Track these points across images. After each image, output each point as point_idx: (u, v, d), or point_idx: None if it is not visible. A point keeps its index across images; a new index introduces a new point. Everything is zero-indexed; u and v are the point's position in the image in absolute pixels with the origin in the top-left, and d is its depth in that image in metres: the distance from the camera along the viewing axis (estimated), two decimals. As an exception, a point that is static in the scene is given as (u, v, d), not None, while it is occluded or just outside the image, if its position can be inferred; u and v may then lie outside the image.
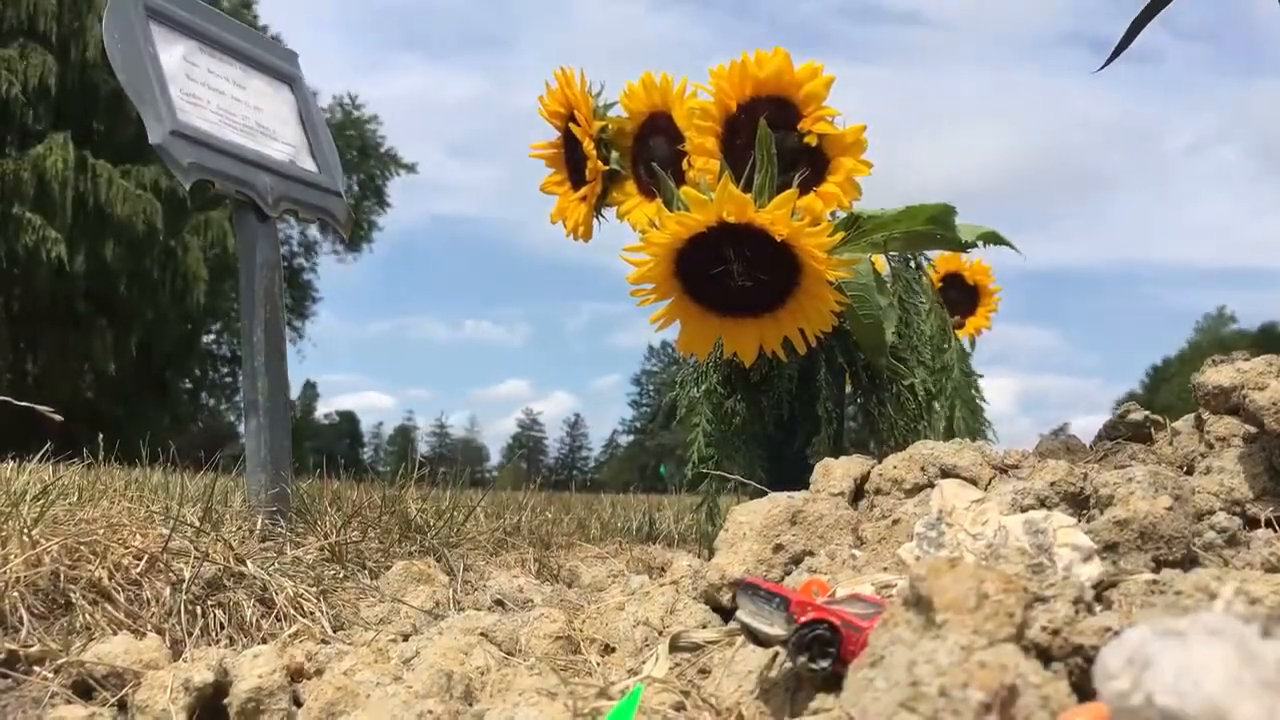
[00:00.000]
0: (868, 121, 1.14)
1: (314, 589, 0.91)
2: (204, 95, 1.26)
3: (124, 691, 0.65)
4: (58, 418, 0.87)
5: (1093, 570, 0.57)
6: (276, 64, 1.43)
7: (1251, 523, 0.74)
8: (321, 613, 0.87)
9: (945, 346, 1.38)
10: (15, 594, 0.72)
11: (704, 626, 0.75)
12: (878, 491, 0.85)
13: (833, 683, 0.50)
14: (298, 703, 0.64)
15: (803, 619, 0.51)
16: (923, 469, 0.84)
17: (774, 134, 1.08)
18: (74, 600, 0.76)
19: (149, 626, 0.77)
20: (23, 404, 0.88)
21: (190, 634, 0.78)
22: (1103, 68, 0.99)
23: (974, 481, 0.80)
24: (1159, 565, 0.63)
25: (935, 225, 1.18)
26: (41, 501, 0.91)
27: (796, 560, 0.77)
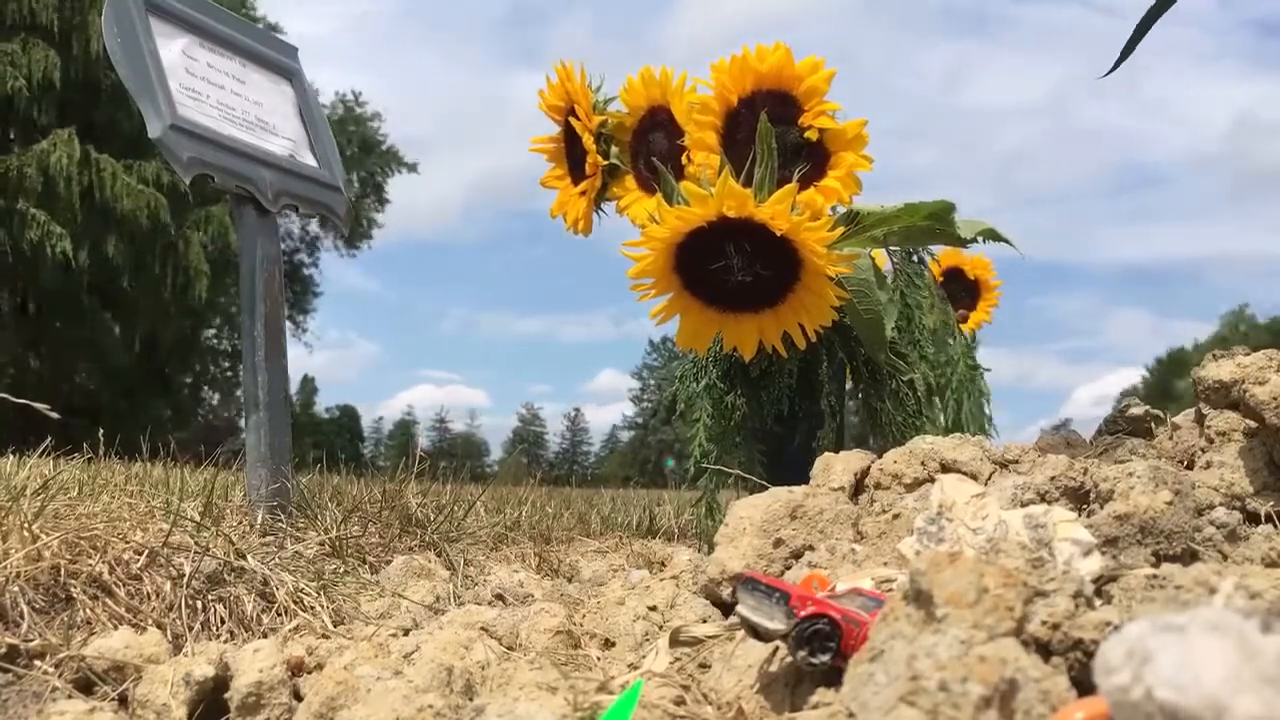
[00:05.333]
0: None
1: (314, 584, 0.91)
2: (204, 90, 1.26)
3: (125, 686, 0.65)
4: (54, 415, 0.87)
5: (1093, 565, 0.57)
6: (276, 58, 1.43)
7: (1251, 518, 0.74)
8: (322, 607, 0.87)
9: (950, 340, 1.38)
10: (16, 588, 0.72)
11: (704, 621, 0.75)
12: (878, 486, 0.85)
13: (833, 677, 0.50)
14: (298, 697, 0.64)
15: (803, 613, 0.51)
16: (923, 464, 0.84)
17: (774, 129, 1.08)
18: (74, 595, 0.76)
19: (150, 621, 0.77)
20: (19, 400, 0.88)
21: (191, 628, 0.78)
22: (1108, 73, 0.99)
23: (974, 476, 0.80)
24: (1159, 560, 0.63)
25: (934, 221, 1.18)
26: (42, 496, 0.91)
27: (797, 555, 0.77)
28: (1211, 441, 0.80)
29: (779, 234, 0.99)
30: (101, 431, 1.34)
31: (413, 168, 18.70)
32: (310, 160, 1.40)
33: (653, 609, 0.80)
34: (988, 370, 1.48)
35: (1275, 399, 0.72)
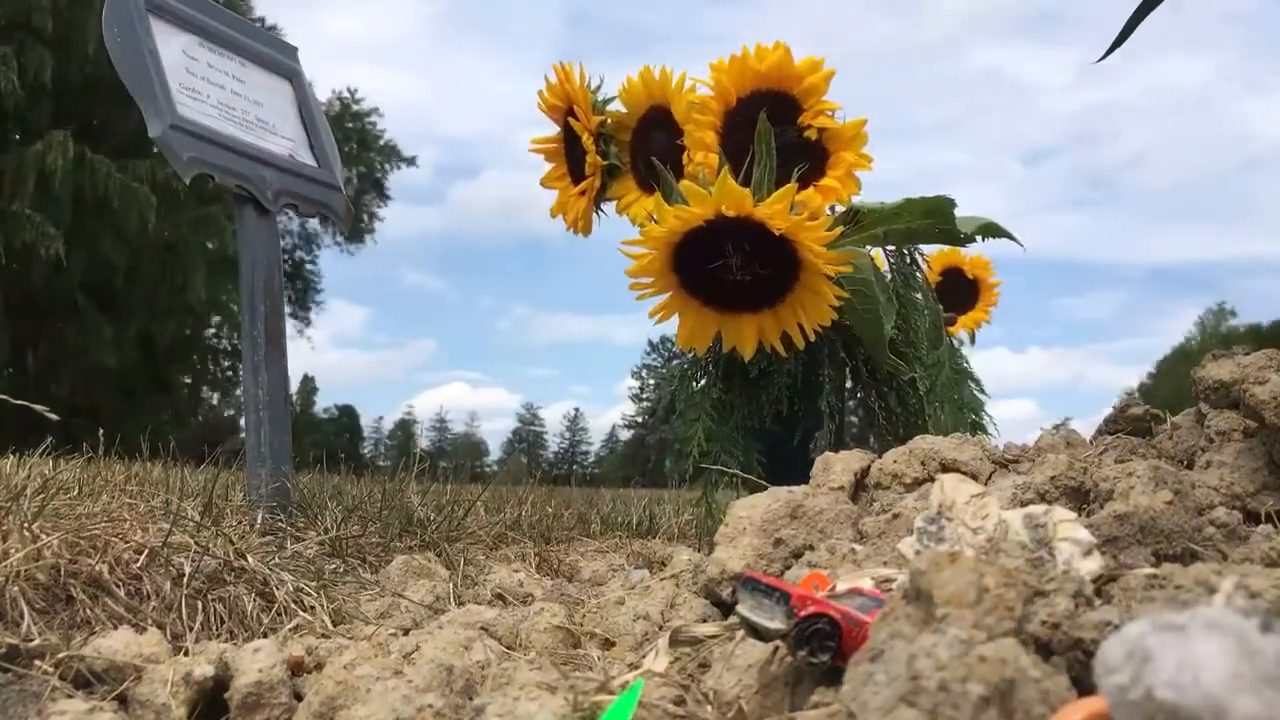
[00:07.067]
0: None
1: (314, 583, 0.91)
2: (204, 89, 1.26)
3: (124, 685, 0.65)
4: (53, 417, 0.87)
5: (1093, 564, 0.57)
6: (276, 58, 1.43)
7: (1251, 517, 0.74)
8: (322, 607, 0.87)
9: (937, 343, 1.38)
10: (16, 588, 0.72)
11: (704, 621, 0.75)
12: (878, 486, 0.85)
13: (833, 677, 0.50)
14: (298, 697, 0.64)
15: (803, 613, 0.51)
16: (923, 464, 0.84)
17: (774, 128, 1.08)
18: (74, 594, 0.76)
19: (149, 621, 0.77)
20: (19, 403, 0.88)
21: (191, 628, 0.78)
22: (1101, 59, 0.99)
23: (974, 476, 0.80)
24: (1159, 560, 0.63)
25: (934, 218, 1.18)
26: (42, 496, 0.91)
27: (797, 555, 0.77)
28: (1211, 441, 0.80)
29: (778, 233, 0.99)
30: (101, 431, 1.34)
31: (411, 160, 18.67)
32: (310, 160, 1.40)
33: (653, 609, 0.80)
34: (966, 366, 1.48)
35: (1275, 398, 0.72)
